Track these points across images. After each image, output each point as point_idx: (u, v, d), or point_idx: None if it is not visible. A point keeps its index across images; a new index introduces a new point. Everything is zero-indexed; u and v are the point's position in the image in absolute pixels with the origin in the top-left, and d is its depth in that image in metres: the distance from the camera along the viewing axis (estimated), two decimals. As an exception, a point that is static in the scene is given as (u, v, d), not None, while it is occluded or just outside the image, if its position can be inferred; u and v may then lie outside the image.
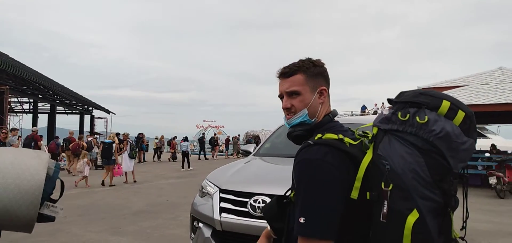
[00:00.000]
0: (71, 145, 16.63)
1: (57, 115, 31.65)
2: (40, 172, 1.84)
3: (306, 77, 1.45)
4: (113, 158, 12.40)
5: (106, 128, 31.12)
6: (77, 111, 34.63)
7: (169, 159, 25.78)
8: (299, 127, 1.46)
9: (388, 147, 1.20)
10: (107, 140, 12.94)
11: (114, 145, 12.48)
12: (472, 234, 6.66)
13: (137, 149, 18.97)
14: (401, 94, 1.32)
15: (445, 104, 1.19)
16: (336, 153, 1.26)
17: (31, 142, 14.33)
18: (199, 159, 26.65)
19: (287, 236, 1.41)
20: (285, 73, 1.48)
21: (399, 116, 1.22)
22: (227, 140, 31.74)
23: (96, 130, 33.49)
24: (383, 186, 1.16)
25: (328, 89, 1.51)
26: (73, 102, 32.07)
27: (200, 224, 3.79)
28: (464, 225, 1.34)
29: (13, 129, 15.48)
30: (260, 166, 4.55)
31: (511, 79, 15.71)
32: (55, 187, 1.97)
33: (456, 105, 1.20)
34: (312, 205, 1.21)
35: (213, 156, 28.86)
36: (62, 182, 2.03)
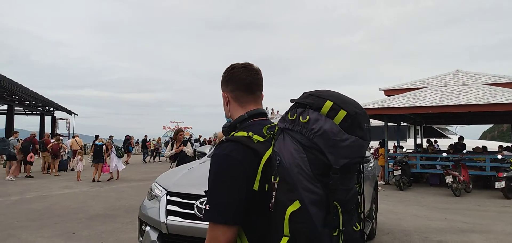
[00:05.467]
0: (49, 146, 16.73)
1: (16, 116, 30.24)
2: None
3: (221, 87, 1.71)
4: (102, 157, 14.55)
5: (68, 130, 29.74)
6: (37, 112, 33.15)
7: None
8: (227, 125, 1.71)
9: (282, 144, 1.31)
10: (98, 142, 15.07)
11: (104, 147, 14.77)
12: (425, 232, 6.87)
13: (123, 149, 19.88)
14: (303, 94, 1.43)
15: (328, 104, 1.29)
16: (241, 149, 1.39)
17: (30, 144, 15.65)
18: None
19: None
20: None
21: (289, 116, 1.34)
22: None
23: (58, 131, 32.13)
24: (272, 179, 1.29)
25: (237, 91, 1.65)
26: (33, 102, 30.72)
27: (148, 228, 3.70)
28: (362, 217, 1.46)
29: (15, 132, 17.33)
30: None
31: (467, 81, 16.37)
32: None
33: (338, 105, 1.30)
34: (216, 194, 1.36)
35: None
36: None
